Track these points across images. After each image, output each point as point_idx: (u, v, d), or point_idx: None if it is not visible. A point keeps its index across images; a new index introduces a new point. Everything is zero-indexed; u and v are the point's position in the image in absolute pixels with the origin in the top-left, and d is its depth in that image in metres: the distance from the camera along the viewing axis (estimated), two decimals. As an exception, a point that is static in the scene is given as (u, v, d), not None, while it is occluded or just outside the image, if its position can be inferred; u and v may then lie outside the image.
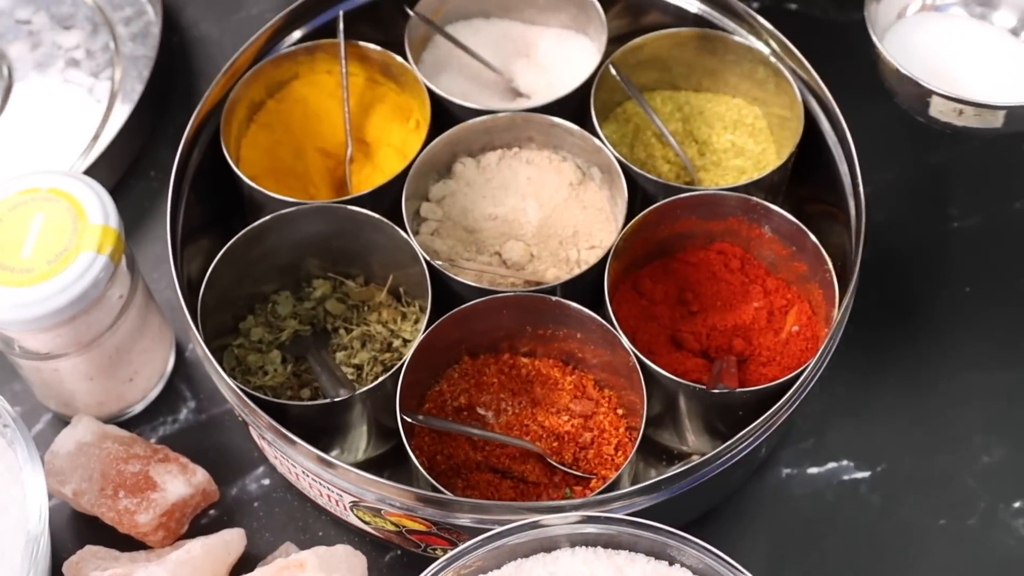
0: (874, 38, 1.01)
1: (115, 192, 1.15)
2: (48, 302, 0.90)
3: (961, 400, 1.06)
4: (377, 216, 0.98)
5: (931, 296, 1.11)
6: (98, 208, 0.93)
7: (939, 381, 1.07)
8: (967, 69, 1.03)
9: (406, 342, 1.01)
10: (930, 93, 0.98)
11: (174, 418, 1.05)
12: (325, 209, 0.99)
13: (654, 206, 0.98)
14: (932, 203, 1.16)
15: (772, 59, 1.05)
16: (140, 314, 0.99)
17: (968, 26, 1.06)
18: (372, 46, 1.08)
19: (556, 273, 1.01)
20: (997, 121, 0.98)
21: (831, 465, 1.03)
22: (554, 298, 0.94)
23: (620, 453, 0.95)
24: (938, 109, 0.99)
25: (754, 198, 0.99)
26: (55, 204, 0.93)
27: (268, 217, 0.98)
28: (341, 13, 1.08)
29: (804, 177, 1.06)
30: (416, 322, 1.02)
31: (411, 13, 1.05)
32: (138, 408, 1.05)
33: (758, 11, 1.08)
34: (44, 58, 1.24)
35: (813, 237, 0.97)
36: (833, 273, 0.96)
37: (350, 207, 0.98)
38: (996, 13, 1.06)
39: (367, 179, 1.07)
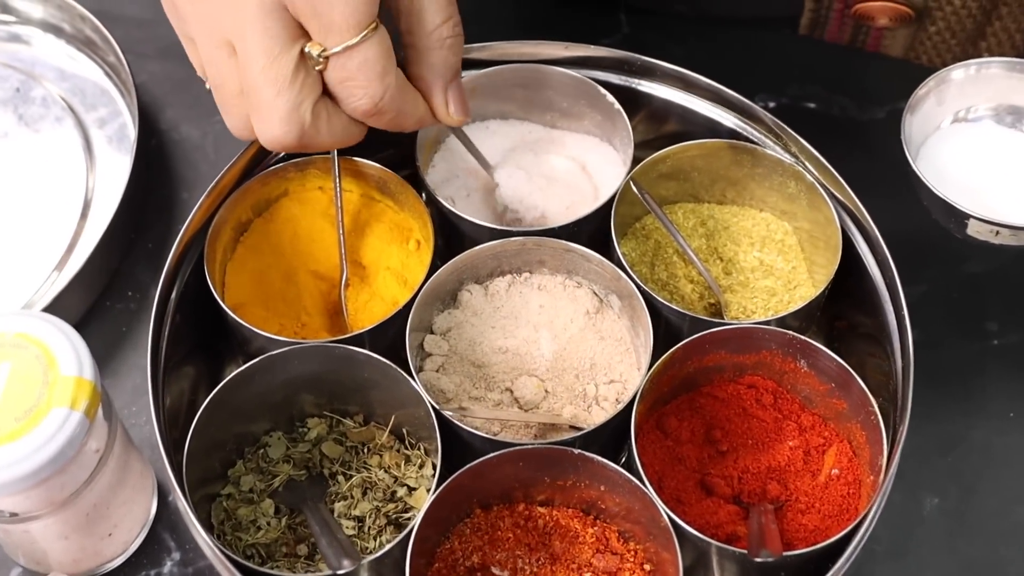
0: (909, 156, 0.95)
1: (90, 314, 1.08)
2: (16, 466, 0.81)
3: (1012, 539, 0.98)
4: (377, 357, 0.89)
5: (973, 422, 1.03)
6: (71, 356, 0.84)
7: (987, 519, 0.99)
8: (1002, 184, 0.98)
9: (411, 490, 0.92)
10: (967, 216, 0.93)
11: (157, 572, 0.96)
12: (320, 349, 0.90)
13: (682, 344, 0.90)
14: (970, 318, 1.08)
15: (807, 176, 0.97)
16: (119, 464, 0.90)
17: (1000, 138, 1.01)
18: (367, 162, 0.99)
19: (573, 411, 0.93)
20: None
21: (875, 618, 0.94)
22: (575, 451, 0.86)
23: (648, 615, 0.87)
24: (975, 229, 0.94)
25: (790, 332, 0.91)
26: (23, 352, 0.84)
27: (258, 360, 0.89)
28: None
29: (836, 295, 0.98)
30: (421, 466, 0.93)
31: None
32: (117, 562, 0.96)
33: (774, 110, 1.01)
34: (10, 164, 1.15)
35: (860, 381, 0.88)
36: (879, 415, 0.88)
37: (347, 347, 0.89)
38: None
39: (364, 306, 0.98)
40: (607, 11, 1.24)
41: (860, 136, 1.17)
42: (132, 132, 1.15)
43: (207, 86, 0.85)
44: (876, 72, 1.22)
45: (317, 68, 0.80)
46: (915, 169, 0.95)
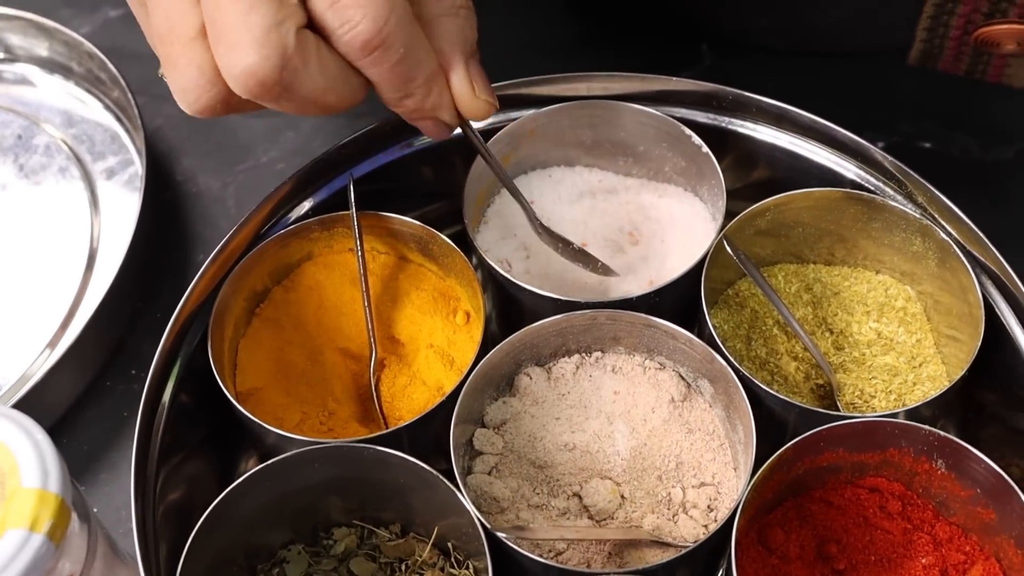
0: None
1: (89, 395, 0.93)
2: (-39, 604, 0.65)
3: None
4: (414, 461, 0.73)
5: None
6: (34, 463, 0.68)
7: None
8: None
9: (457, 620, 0.75)
10: None
11: None
12: (344, 450, 0.74)
13: (792, 443, 0.73)
14: None
15: (939, 232, 0.80)
16: (102, 588, 0.74)
17: None
18: (404, 218, 0.83)
19: (655, 521, 0.76)
20: None
21: None
22: (663, 582, 0.68)
23: None
24: None
25: (927, 427, 0.73)
26: (-25, 456, 0.68)
27: (268, 465, 0.73)
28: (351, 178, 0.84)
29: (971, 375, 0.80)
30: (471, 590, 0.76)
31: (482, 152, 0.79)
32: None
33: (886, 149, 0.83)
34: (7, 219, 1.01)
35: (1018, 489, 0.71)
36: (1042, 532, 0.70)
37: (377, 448, 0.73)
38: None
39: (402, 391, 0.82)
40: (686, 41, 1.08)
41: (986, 180, 1.01)
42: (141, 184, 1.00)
43: (161, 71, 0.67)
44: (1001, 106, 1.04)
45: None
46: None
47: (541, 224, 0.81)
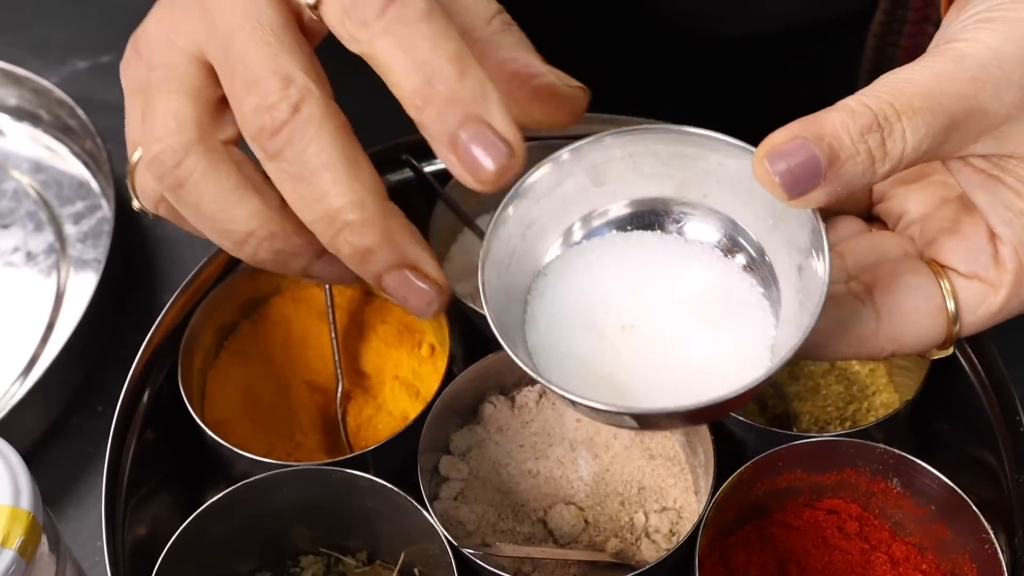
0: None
1: (54, 431, 0.94)
2: (-69, 621, 0.65)
3: None
4: (381, 483, 0.74)
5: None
6: (6, 482, 0.69)
7: None
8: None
9: (423, 644, 0.76)
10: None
11: None
12: (312, 473, 0.75)
13: (752, 462, 0.74)
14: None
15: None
16: (70, 614, 0.74)
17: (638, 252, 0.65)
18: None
19: (618, 545, 0.78)
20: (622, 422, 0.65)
21: None
22: (625, 596, 0.70)
23: None
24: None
25: (880, 446, 0.75)
26: (-51, 477, 0.69)
27: (237, 487, 0.74)
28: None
29: (922, 398, 0.82)
30: (437, 614, 0.77)
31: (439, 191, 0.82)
32: None
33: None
34: (-26, 264, 1.02)
35: (971, 503, 0.73)
36: (996, 544, 0.72)
37: (346, 471, 0.74)
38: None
39: (368, 422, 0.83)
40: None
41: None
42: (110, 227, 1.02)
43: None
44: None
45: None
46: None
47: None
